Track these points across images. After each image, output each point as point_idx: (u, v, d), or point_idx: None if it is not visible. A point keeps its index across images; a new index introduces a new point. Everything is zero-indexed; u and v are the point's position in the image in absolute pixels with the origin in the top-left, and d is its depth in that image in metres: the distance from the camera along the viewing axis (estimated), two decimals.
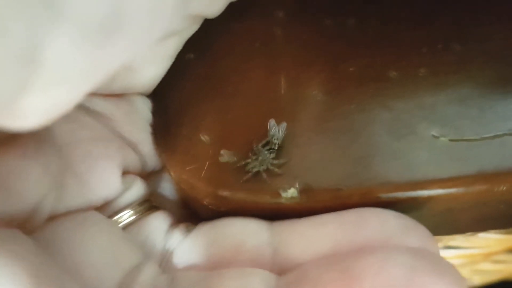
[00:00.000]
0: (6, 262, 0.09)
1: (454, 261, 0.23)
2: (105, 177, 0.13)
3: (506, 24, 0.15)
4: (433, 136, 0.13)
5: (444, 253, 0.22)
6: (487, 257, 0.24)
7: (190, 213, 0.15)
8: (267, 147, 0.13)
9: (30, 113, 0.07)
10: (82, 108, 0.13)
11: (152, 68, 0.14)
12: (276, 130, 0.14)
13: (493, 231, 0.19)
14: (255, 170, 0.13)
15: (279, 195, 0.13)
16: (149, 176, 0.15)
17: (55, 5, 0.06)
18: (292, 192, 0.13)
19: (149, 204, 0.14)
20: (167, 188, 0.15)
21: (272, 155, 0.13)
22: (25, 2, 0.06)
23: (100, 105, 0.13)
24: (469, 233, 0.19)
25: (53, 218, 0.11)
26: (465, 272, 0.26)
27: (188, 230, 0.14)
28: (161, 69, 0.14)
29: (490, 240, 0.21)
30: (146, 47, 0.08)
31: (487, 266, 0.25)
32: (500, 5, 0.15)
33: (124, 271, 0.12)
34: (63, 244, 0.11)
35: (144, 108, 0.14)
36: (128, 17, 0.07)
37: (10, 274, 0.08)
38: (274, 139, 0.13)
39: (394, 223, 0.12)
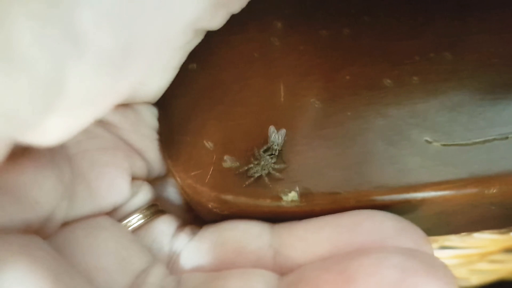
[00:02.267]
0: (27, 266, 0.09)
1: (451, 261, 0.23)
2: (114, 183, 0.13)
3: (495, 33, 0.15)
4: (426, 141, 0.14)
5: (440, 253, 0.22)
6: (483, 257, 0.24)
7: (194, 217, 0.16)
8: (268, 153, 0.14)
9: (52, 131, 0.08)
10: None
11: (157, 80, 0.14)
12: (276, 136, 0.14)
13: (487, 231, 0.20)
14: (257, 174, 0.13)
15: (280, 198, 0.13)
16: (154, 181, 0.15)
17: (77, 39, 0.07)
18: (292, 196, 0.13)
19: (156, 208, 0.14)
20: (172, 192, 0.16)
21: (273, 160, 0.14)
22: (50, 37, 0.06)
23: (108, 115, 0.14)
24: (463, 234, 0.20)
25: (66, 224, 0.12)
26: (462, 272, 0.26)
27: (193, 233, 0.14)
28: (166, 79, 0.14)
29: (485, 240, 0.22)
30: (156, 65, 0.09)
31: (484, 266, 0.26)
32: (490, 15, 0.16)
33: (134, 273, 0.12)
34: (76, 249, 0.11)
35: (150, 116, 0.15)
36: (141, 44, 0.07)
37: (32, 278, 0.09)
38: (275, 145, 0.14)
39: (389, 224, 0.12)
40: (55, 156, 0.11)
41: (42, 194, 0.11)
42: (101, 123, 0.14)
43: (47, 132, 0.08)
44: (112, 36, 0.07)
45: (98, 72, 0.07)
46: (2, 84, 0.06)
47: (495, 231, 0.20)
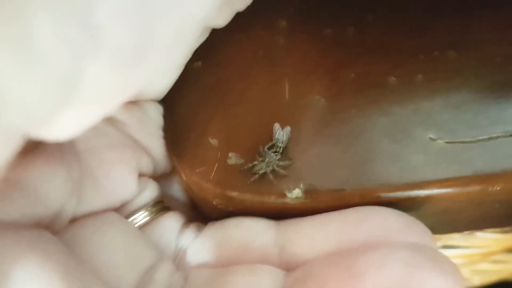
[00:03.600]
0: (38, 261, 0.09)
1: (454, 261, 0.23)
2: (122, 180, 0.13)
3: (498, 31, 0.16)
4: (430, 138, 0.14)
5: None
6: (485, 257, 0.24)
7: (199, 214, 0.16)
8: (273, 150, 0.14)
9: (65, 127, 0.08)
10: None
11: (163, 77, 0.14)
12: (281, 133, 0.14)
13: (490, 230, 0.20)
14: (262, 171, 0.13)
15: (285, 195, 0.13)
16: (160, 178, 0.15)
17: (94, 34, 0.07)
18: (297, 193, 0.13)
19: (162, 205, 0.14)
20: (177, 190, 0.16)
21: (278, 157, 0.14)
22: (67, 32, 0.07)
23: (116, 112, 0.14)
24: (466, 232, 0.20)
25: (74, 220, 0.12)
26: (465, 272, 0.26)
27: (199, 230, 0.14)
28: (172, 77, 0.14)
29: (488, 239, 0.22)
30: (169, 63, 0.09)
31: (486, 266, 0.25)
32: (493, 13, 0.16)
33: (142, 269, 0.12)
34: (85, 244, 0.12)
35: (155, 114, 0.15)
36: (156, 41, 0.08)
37: (43, 272, 0.09)
38: (279, 142, 0.14)
39: (394, 220, 0.12)
40: (65, 152, 0.11)
41: (52, 190, 0.11)
42: (108, 120, 0.14)
43: (60, 127, 0.08)
44: (128, 33, 0.07)
45: (113, 68, 0.07)
46: (20, 78, 0.06)
47: (498, 230, 0.20)
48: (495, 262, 0.25)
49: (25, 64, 0.06)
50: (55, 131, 0.08)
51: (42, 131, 0.08)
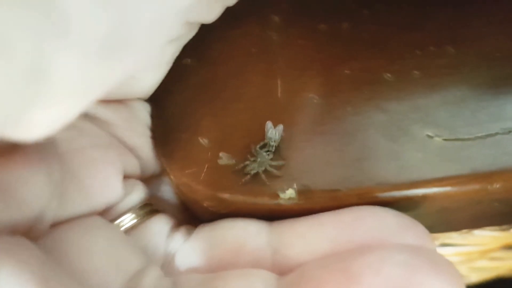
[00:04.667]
0: (13, 270, 0.09)
1: (451, 259, 0.23)
2: (107, 182, 0.13)
3: (497, 26, 0.15)
4: (428, 136, 0.14)
5: (441, 251, 0.22)
6: (483, 254, 0.24)
7: (190, 216, 0.15)
8: (265, 149, 0.13)
9: (36, 125, 0.07)
10: (82, 114, 0.13)
11: (150, 74, 0.14)
12: (273, 132, 0.14)
13: (488, 228, 0.20)
14: (254, 172, 0.13)
15: (278, 196, 0.13)
16: (148, 180, 0.15)
17: (60, 23, 0.06)
18: (290, 193, 0.13)
19: (150, 207, 0.14)
20: (166, 191, 0.15)
21: (270, 156, 0.13)
22: (31, 21, 0.06)
23: (100, 111, 0.13)
24: (464, 231, 0.19)
25: (56, 225, 0.12)
26: (462, 269, 0.26)
27: (189, 233, 0.14)
28: (159, 74, 0.14)
29: (485, 237, 0.21)
30: (148, 57, 0.08)
31: (483, 263, 0.25)
32: (491, 8, 0.16)
33: (128, 275, 0.12)
34: (67, 250, 0.11)
35: (143, 113, 0.15)
36: (131, 32, 0.07)
37: (18, 282, 0.09)
38: (271, 141, 0.14)
39: (391, 221, 0.12)
40: (44, 153, 0.11)
41: (30, 193, 0.10)
42: (92, 119, 0.13)
43: (31, 126, 0.07)
44: (99, 20, 0.06)
45: (84, 58, 0.07)
46: None
47: (497, 227, 0.20)
48: (492, 259, 0.25)
49: None
50: (27, 130, 0.07)
51: (10, 131, 0.07)
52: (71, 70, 0.07)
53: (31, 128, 0.07)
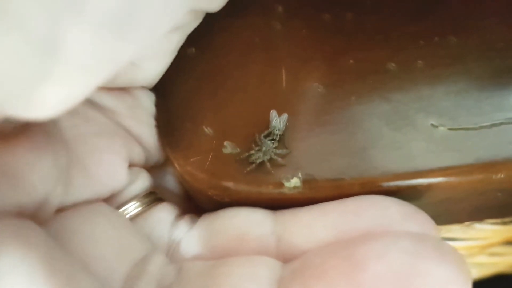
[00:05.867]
0: (20, 252, 0.09)
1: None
2: (112, 169, 0.13)
3: (500, 17, 0.15)
4: (432, 125, 0.14)
5: None
6: (483, 249, 0.24)
7: (194, 206, 0.15)
8: (269, 138, 0.13)
9: (46, 103, 0.07)
10: (87, 102, 0.13)
11: (154, 63, 0.14)
12: (278, 121, 0.14)
13: (490, 221, 0.20)
14: (259, 161, 0.13)
15: (282, 185, 0.13)
16: (153, 169, 0.15)
17: (76, 1, 0.06)
18: (295, 182, 0.13)
19: (155, 196, 0.14)
20: (170, 181, 0.15)
21: (275, 145, 0.13)
22: None
23: (105, 99, 0.13)
24: (466, 223, 0.19)
25: (61, 210, 0.12)
26: None
27: (193, 221, 0.14)
28: (163, 63, 0.14)
29: (486, 231, 0.21)
30: (154, 41, 0.08)
31: (483, 259, 0.25)
32: None
33: (133, 261, 0.12)
34: (72, 235, 0.11)
35: (147, 102, 0.15)
36: (140, 11, 0.07)
37: (25, 264, 0.09)
38: (276, 129, 0.14)
39: (395, 209, 0.12)
40: (51, 138, 0.11)
41: (36, 177, 0.10)
42: (98, 107, 0.13)
43: (42, 104, 0.07)
44: None
45: (96, 34, 0.07)
46: None
47: (498, 220, 0.20)
48: (492, 254, 0.25)
49: None
50: (36, 108, 0.07)
51: (21, 109, 0.07)
52: (84, 44, 0.07)
53: (41, 106, 0.07)
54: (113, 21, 0.07)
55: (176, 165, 0.14)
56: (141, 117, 0.14)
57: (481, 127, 0.13)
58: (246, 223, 0.13)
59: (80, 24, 0.06)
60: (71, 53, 0.07)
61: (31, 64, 0.06)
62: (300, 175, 0.13)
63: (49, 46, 0.06)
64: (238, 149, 0.14)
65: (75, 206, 0.12)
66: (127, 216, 0.13)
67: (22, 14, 0.06)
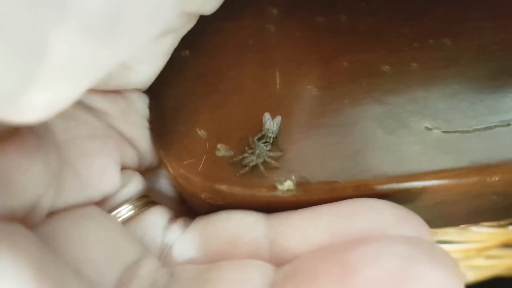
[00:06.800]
0: (9, 256, 0.09)
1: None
2: (104, 172, 0.13)
3: (495, 19, 0.15)
4: (426, 128, 0.14)
5: None
6: (480, 252, 0.24)
7: (187, 209, 0.15)
8: (263, 140, 0.13)
9: (33, 107, 0.07)
10: (79, 104, 0.13)
11: (148, 65, 0.14)
12: (271, 123, 0.14)
13: (486, 224, 0.20)
14: (252, 164, 0.13)
15: (276, 188, 0.13)
16: (146, 172, 0.15)
17: (63, 4, 0.06)
18: (288, 185, 0.13)
19: (147, 199, 0.14)
20: (164, 184, 0.15)
21: (268, 148, 0.13)
22: (36, 2, 0.06)
23: (98, 101, 0.13)
24: (462, 226, 0.19)
25: (53, 214, 0.11)
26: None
27: (186, 225, 0.14)
28: (157, 66, 0.14)
29: (483, 234, 0.21)
30: (144, 44, 0.08)
31: (480, 262, 0.25)
32: (489, 1, 0.16)
33: (124, 265, 0.12)
34: (63, 239, 0.11)
35: (141, 104, 0.14)
36: (129, 14, 0.07)
37: (14, 268, 0.08)
38: (269, 132, 0.13)
39: (388, 213, 0.12)
40: (41, 141, 0.11)
41: (27, 180, 0.10)
42: (90, 110, 0.13)
43: (26, 108, 0.07)
44: (99, 1, 0.06)
45: (83, 39, 0.07)
46: None
47: (494, 223, 0.20)
48: (489, 257, 0.25)
49: None
50: (23, 113, 0.07)
51: (8, 113, 0.07)
52: (70, 50, 0.07)
53: (29, 110, 0.07)
54: (99, 25, 0.07)
55: (169, 168, 0.14)
56: (134, 119, 0.14)
57: (476, 130, 0.13)
58: (239, 227, 0.13)
59: (65, 29, 0.06)
60: (56, 58, 0.07)
61: (17, 67, 0.06)
62: (293, 178, 0.13)
63: (35, 49, 0.06)
64: (232, 152, 0.14)
65: (66, 209, 0.12)
66: (119, 219, 0.13)
67: (6, 19, 0.06)
